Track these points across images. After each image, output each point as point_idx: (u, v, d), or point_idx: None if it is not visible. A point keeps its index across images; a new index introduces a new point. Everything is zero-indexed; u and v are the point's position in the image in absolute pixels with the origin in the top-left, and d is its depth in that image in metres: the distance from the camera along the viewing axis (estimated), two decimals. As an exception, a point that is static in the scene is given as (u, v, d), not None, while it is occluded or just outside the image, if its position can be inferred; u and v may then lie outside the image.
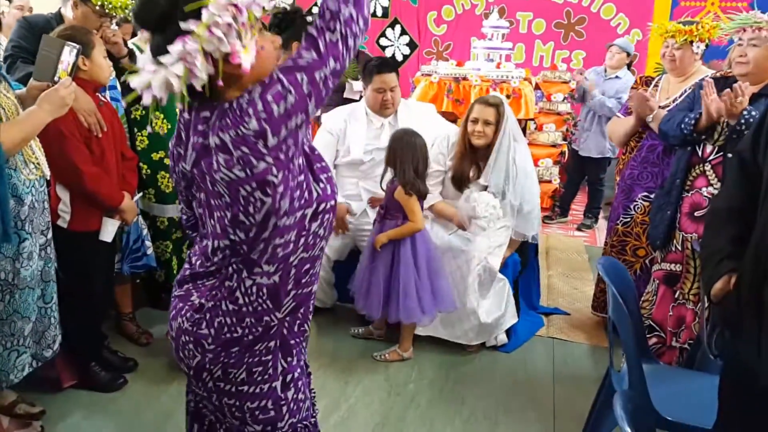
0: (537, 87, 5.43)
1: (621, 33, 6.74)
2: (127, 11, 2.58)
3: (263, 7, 1.13)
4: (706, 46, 2.97)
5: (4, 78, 2.10)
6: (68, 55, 2.11)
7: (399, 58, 7.38)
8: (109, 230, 2.51)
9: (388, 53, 7.44)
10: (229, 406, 1.37)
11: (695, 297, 2.47)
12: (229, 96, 1.18)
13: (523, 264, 3.34)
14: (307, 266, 1.33)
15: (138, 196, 2.73)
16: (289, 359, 1.38)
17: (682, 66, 2.96)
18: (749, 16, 2.35)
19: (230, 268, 1.30)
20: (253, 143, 1.13)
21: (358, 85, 4.91)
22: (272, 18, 3.07)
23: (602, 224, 5.12)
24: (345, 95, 4.90)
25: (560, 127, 5.54)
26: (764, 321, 1.37)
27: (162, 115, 2.98)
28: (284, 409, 1.40)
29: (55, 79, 2.10)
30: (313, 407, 1.56)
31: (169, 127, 3.00)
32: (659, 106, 2.96)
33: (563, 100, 5.54)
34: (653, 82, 3.15)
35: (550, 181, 5.49)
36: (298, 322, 1.38)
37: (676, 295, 2.53)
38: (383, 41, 7.48)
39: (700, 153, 2.44)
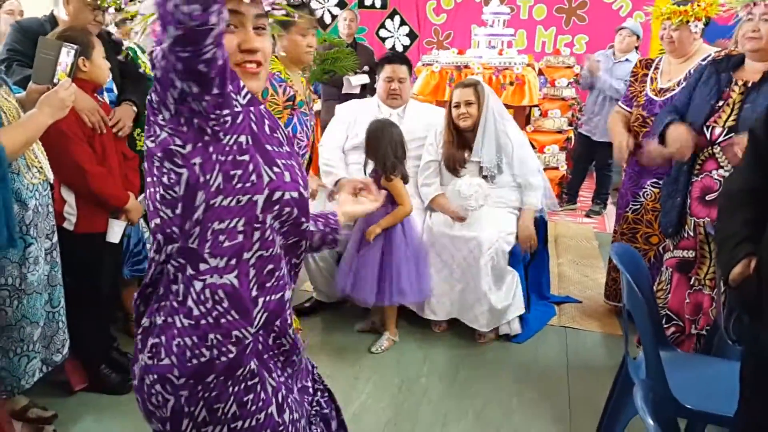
0: (540, 73, 5.39)
1: (623, 16, 6.68)
2: (119, 2, 2.56)
3: None
4: (706, 24, 2.93)
5: (4, 82, 2.08)
6: (66, 56, 2.09)
7: (399, 49, 7.34)
8: (115, 231, 2.50)
9: (387, 45, 7.40)
10: None
11: (712, 282, 2.43)
12: None
13: (531, 253, 3.31)
14: (270, 267, 1.15)
15: (142, 196, 2.71)
16: (272, 374, 1.21)
17: (682, 47, 2.92)
18: None
19: (170, 265, 1.11)
20: (155, 113, 1.07)
21: (356, 79, 4.88)
22: None
23: (611, 210, 5.07)
24: (344, 91, 4.87)
25: (565, 113, 5.49)
26: None
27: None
28: None
29: (54, 81, 2.08)
30: (324, 407, 1.44)
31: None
32: (661, 89, 2.94)
33: (567, 85, 5.49)
34: (653, 65, 3.11)
35: (557, 168, 5.45)
36: (273, 335, 1.20)
37: (692, 282, 2.49)
38: (383, 32, 7.44)
39: (708, 136, 2.39)
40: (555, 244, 4.52)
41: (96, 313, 2.55)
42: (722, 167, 2.35)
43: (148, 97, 1.08)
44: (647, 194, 2.99)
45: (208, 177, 1.06)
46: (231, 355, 1.12)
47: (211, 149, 1.06)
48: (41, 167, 2.14)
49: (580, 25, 6.81)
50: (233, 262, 1.10)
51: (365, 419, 2.49)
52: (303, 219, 1.20)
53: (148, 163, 1.11)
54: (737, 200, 1.56)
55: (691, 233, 2.45)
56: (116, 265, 2.68)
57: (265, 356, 1.20)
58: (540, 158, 5.26)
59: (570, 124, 5.56)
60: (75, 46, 2.12)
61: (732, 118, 2.31)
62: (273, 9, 1.21)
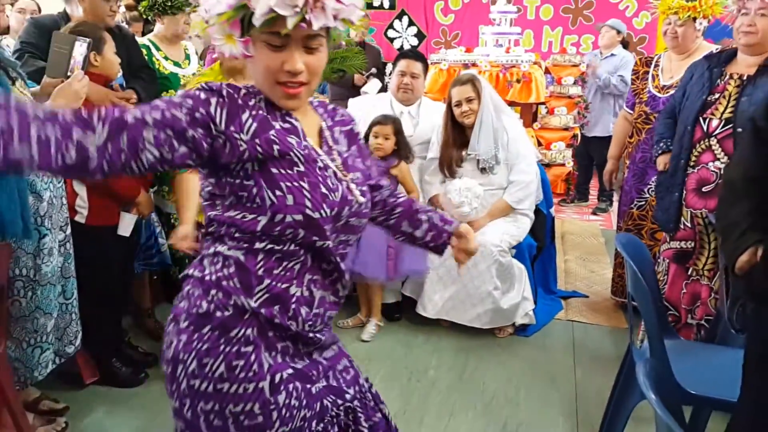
0: (547, 71, 5.41)
1: (629, 16, 6.70)
2: None
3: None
4: (708, 22, 2.95)
5: (20, 76, 2.12)
6: (79, 49, 2.13)
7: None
8: (126, 224, 2.53)
9: (396, 45, 7.44)
10: (206, 414, 1.17)
11: (710, 272, 2.45)
12: None
13: (538, 248, 3.33)
14: (279, 256, 1.18)
15: (153, 190, 2.75)
16: (274, 354, 1.21)
17: (685, 43, 2.94)
18: None
19: (209, 235, 1.24)
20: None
21: (371, 87, 4.91)
22: None
23: (617, 207, 5.09)
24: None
25: (571, 111, 5.51)
26: None
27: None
28: (274, 414, 1.19)
29: (68, 74, 2.12)
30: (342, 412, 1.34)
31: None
32: (663, 86, 2.97)
33: (574, 83, 5.51)
34: (654, 62, 3.12)
35: (563, 164, 5.47)
36: (275, 320, 1.19)
37: (690, 272, 2.51)
38: (391, 33, 7.48)
39: (705, 128, 2.40)
40: (562, 240, 4.53)
41: (107, 306, 2.58)
42: (718, 159, 2.37)
43: None
44: (652, 190, 3.00)
45: (222, 192, 1.17)
46: (227, 313, 1.18)
47: (221, 173, 1.16)
48: None
49: (587, 25, 6.82)
50: (245, 245, 1.18)
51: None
52: (315, 238, 1.18)
53: None
54: (739, 189, 1.56)
55: (688, 224, 2.48)
56: (127, 258, 2.70)
57: (270, 335, 1.21)
58: (546, 155, 5.29)
59: (575, 121, 5.59)
60: (87, 39, 2.16)
61: (729, 110, 2.34)
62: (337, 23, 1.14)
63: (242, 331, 1.18)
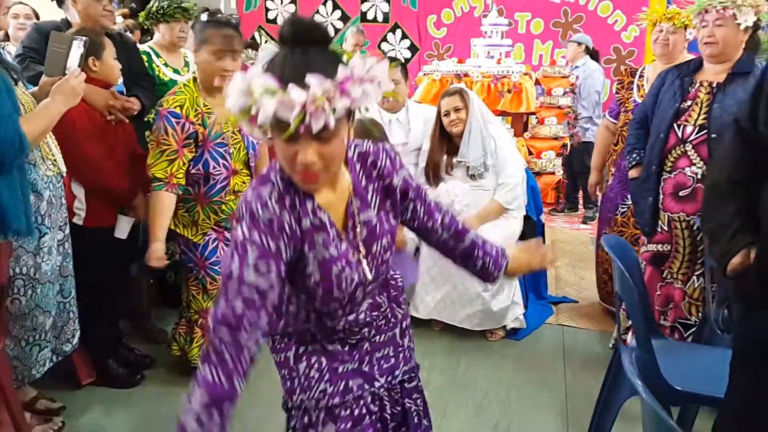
0: (537, 82, 5.50)
1: (618, 30, 6.82)
2: None
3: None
4: (693, 37, 3.03)
5: (21, 78, 2.17)
6: (77, 48, 2.17)
7: (397, 75, 7.44)
8: (123, 227, 2.55)
9: (389, 58, 7.51)
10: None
11: (684, 276, 2.55)
12: None
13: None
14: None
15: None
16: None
17: (674, 51, 3.01)
18: None
19: None
20: None
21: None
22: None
23: (600, 213, 5.16)
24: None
25: (561, 121, 5.60)
26: None
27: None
28: (296, 382, 1.37)
29: (66, 72, 2.16)
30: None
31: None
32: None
33: (563, 94, 5.60)
34: (638, 72, 3.20)
35: (553, 173, 5.54)
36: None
37: (664, 275, 2.59)
38: (385, 46, 7.56)
39: (680, 134, 2.48)
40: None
41: (104, 307, 2.61)
42: (694, 164, 2.46)
43: None
44: None
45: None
46: None
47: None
48: (55, 160, 2.22)
49: (577, 39, 6.93)
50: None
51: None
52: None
53: None
54: (725, 191, 1.58)
55: (665, 228, 2.55)
56: (124, 261, 2.72)
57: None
58: (537, 163, 5.37)
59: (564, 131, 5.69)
60: (84, 38, 2.19)
61: (702, 117, 2.43)
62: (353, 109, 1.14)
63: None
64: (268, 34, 7.51)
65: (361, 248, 1.29)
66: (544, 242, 3.60)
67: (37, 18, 3.54)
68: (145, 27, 3.39)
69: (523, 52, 7.04)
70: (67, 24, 2.75)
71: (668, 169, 2.52)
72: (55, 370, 2.35)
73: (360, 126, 2.90)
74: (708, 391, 1.81)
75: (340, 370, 1.38)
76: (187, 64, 3.19)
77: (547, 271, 3.75)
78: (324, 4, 7.55)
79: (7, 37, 3.45)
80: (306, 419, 1.37)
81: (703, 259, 2.48)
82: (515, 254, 1.51)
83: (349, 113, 1.13)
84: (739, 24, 2.32)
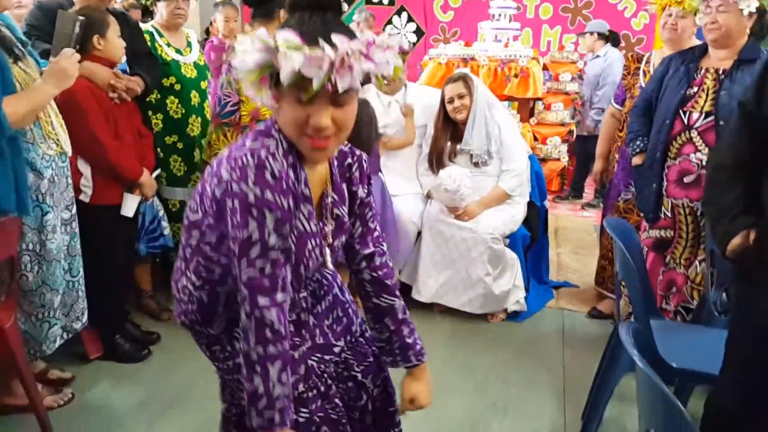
0: (545, 68, 5.48)
1: (628, 17, 6.79)
2: None
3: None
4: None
5: (30, 55, 2.16)
6: (78, 28, 2.16)
7: (405, 46, 7.42)
8: (129, 205, 2.58)
9: (395, 41, 7.50)
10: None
11: (686, 261, 2.56)
12: None
13: (532, 239, 3.41)
14: None
15: (157, 171, 2.80)
16: None
17: (682, 37, 2.97)
18: None
19: None
20: None
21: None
22: None
23: (605, 200, 5.17)
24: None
25: (568, 107, 5.59)
26: None
27: (177, 100, 3.06)
28: None
29: None
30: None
31: (184, 111, 3.08)
32: None
33: (571, 80, 5.59)
34: (645, 59, 3.19)
35: (558, 159, 5.54)
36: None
37: (667, 260, 2.61)
38: (390, 29, 7.54)
39: (685, 121, 2.48)
40: (555, 235, 4.61)
41: (111, 283, 2.64)
42: (700, 150, 2.46)
43: None
44: None
45: None
46: None
47: None
48: (58, 140, 2.20)
49: (586, 24, 6.89)
50: None
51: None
52: None
53: None
54: (729, 174, 1.59)
55: (668, 213, 2.57)
56: (130, 239, 2.77)
57: None
58: (542, 150, 5.37)
59: (572, 117, 5.67)
60: (81, 18, 2.18)
61: (709, 104, 2.43)
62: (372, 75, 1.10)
63: None
64: None
65: (329, 238, 1.30)
66: (546, 228, 3.64)
67: None
68: (145, 4, 3.39)
69: (531, 37, 7.02)
70: (70, 2, 2.76)
71: (673, 155, 2.52)
72: (63, 345, 2.39)
73: None
74: (703, 368, 1.84)
75: (297, 356, 1.31)
76: (189, 44, 3.19)
77: (549, 256, 3.77)
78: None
79: None
80: None
81: (705, 244, 2.50)
82: (410, 381, 1.47)
83: (363, 83, 1.10)
84: (742, 9, 2.33)
